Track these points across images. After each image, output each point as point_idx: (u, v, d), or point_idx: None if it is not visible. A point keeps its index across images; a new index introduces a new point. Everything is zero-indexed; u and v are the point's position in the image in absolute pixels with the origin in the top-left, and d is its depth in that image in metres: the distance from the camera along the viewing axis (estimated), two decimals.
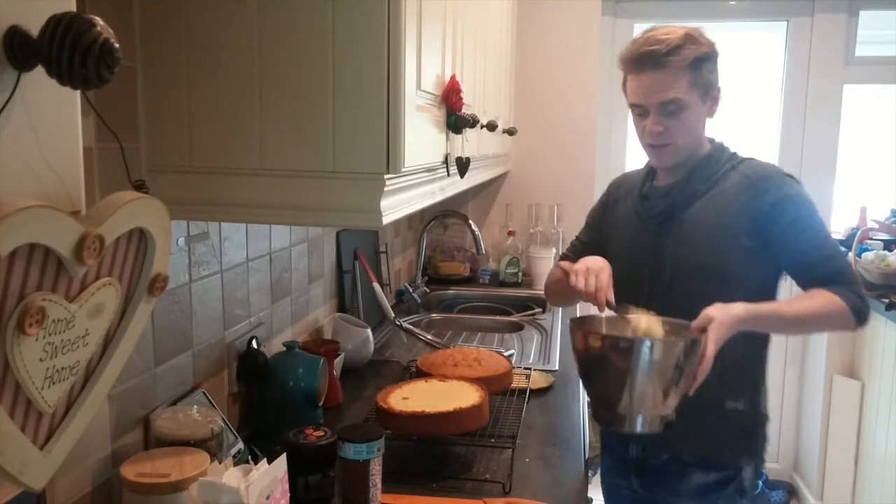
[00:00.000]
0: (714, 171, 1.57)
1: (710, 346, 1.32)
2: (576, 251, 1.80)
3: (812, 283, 1.49)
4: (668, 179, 1.62)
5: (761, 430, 1.63)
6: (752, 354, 1.60)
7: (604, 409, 1.37)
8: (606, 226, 1.75)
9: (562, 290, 1.65)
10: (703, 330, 1.34)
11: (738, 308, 1.37)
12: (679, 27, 1.50)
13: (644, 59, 1.48)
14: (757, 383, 1.62)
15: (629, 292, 1.51)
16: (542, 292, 2.98)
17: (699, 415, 1.49)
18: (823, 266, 1.49)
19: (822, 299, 1.45)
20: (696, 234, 1.55)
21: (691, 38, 1.48)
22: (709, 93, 1.53)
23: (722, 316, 1.35)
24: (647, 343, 1.30)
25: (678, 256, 1.57)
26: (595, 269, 1.47)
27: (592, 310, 1.49)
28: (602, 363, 1.32)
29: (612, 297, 1.45)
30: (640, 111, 1.54)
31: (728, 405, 1.57)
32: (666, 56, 1.46)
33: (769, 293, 1.55)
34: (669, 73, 1.47)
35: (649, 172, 1.69)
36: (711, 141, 1.64)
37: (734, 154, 1.62)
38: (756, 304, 1.41)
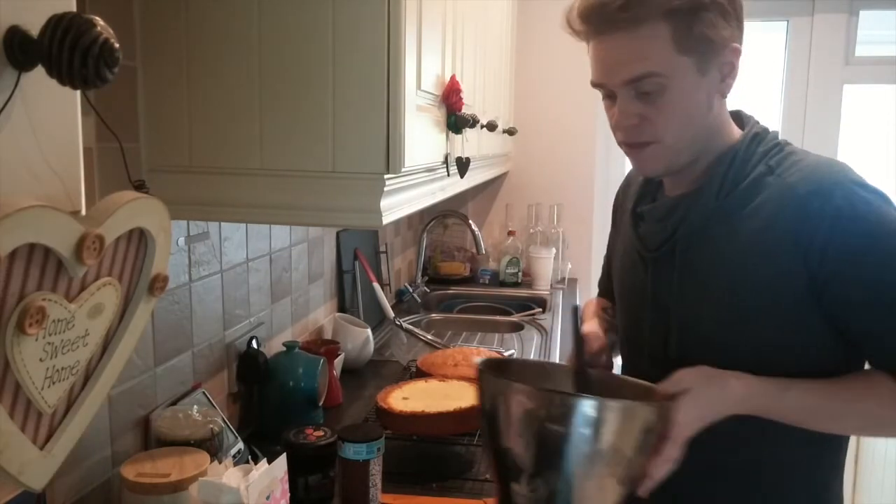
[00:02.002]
0: (740, 176, 1.00)
1: (677, 430, 0.86)
2: (602, 281, 1.38)
3: (875, 364, 0.98)
4: (679, 188, 1.07)
5: None
6: (819, 457, 1.05)
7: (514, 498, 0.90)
8: (612, 250, 1.26)
9: None
10: (671, 398, 0.89)
11: (734, 380, 0.91)
12: None
13: (593, 18, 0.97)
14: (827, 493, 1.06)
15: (630, 369, 1.13)
16: (542, 293, 3.01)
17: None
18: (891, 342, 0.94)
19: (873, 388, 0.95)
20: (710, 287, 1.00)
21: None
22: (711, 57, 0.96)
23: (702, 388, 0.89)
24: (593, 404, 0.84)
25: (686, 323, 1.02)
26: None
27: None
28: (518, 430, 0.87)
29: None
30: (605, 92, 1.04)
31: None
32: (621, 10, 0.93)
33: None
34: (632, 36, 0.94)
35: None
36: (747, 123, 1.06)
37: (776, 146, 1.02)
38: (762, 378, 0.93)
